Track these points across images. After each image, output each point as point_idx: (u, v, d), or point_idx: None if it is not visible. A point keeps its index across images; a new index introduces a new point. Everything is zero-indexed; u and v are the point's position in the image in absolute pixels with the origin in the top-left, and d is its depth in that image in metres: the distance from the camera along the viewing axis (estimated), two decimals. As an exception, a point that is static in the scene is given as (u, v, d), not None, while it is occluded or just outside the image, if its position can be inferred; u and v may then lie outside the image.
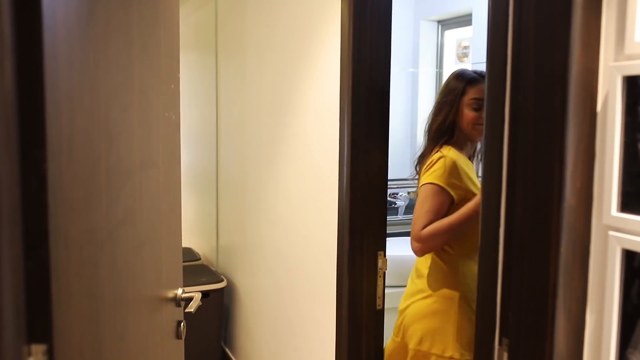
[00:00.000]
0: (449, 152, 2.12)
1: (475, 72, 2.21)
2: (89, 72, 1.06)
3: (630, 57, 1.01)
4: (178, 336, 1.74)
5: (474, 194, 2.07)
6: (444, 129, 2.18)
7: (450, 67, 3.72)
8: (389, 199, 3.44)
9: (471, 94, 2.12)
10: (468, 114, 2.13)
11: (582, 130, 1.07)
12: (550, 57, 1.10)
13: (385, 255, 2.13)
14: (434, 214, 2.06)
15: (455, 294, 2.11)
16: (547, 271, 1.12)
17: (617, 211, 1.04)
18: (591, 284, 1.10)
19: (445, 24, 3.71)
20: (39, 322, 0.87)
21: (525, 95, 1.17)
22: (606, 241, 1.07)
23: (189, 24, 4.20)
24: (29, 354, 0.85)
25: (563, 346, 1.11)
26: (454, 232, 2.06)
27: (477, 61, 3.30)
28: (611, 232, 1.05)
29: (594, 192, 1.09)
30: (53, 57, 0.89)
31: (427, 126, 2.27)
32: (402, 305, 2.23)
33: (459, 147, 2.19)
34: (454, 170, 2.08)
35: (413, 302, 2.16)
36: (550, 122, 1.10)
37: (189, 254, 4.04)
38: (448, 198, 2.08)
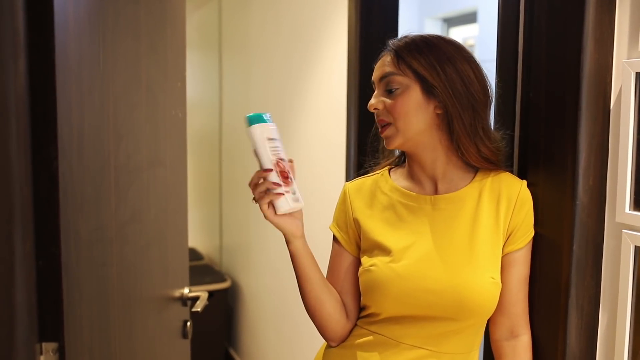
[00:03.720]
0: (357, 180, 1.34)
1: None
2: (99, 69, 1.06)
3: (644, 54, 1.00)
4: (184, 335, 1.73)
5: (383, 250, 1.20)
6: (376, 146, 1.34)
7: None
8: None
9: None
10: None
11: (595, 127, 1.07)
12: (563, 53, 1.09)
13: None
14: (329, 271, 1.32)
15: None
16: (559, 270, 1.11)
17: (631, 209, 1.04)
18: (604, 282, 1.09)
19: (450, 21, 3.70)
20: (50, 321, 0.86)
21: (536, 91, 1.16)
22: (619, 239, 1.06)
23: (192, 22, 4.19)
24: (41, 352, 0.85)
25: (575, 345, 1.10)
26: (301, 293, 1.25)
27: (483, 59, 3.28)
28: (624, 230, 1.04)
29: (607, 190, 1.08)
30: (64, 54, 0.88)
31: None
32: None
33: (410, 171, 1.26)
34: (340, 204, 1.32)
35: None
36: (563, 119, 1.10)
37: (192, 254, 4.03)
38: (338, 245, 1.30)
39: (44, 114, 0.83)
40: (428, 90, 1.15)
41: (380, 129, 1.20)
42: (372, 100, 1.19)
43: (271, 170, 1.11)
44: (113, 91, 1.13)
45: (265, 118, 1.13)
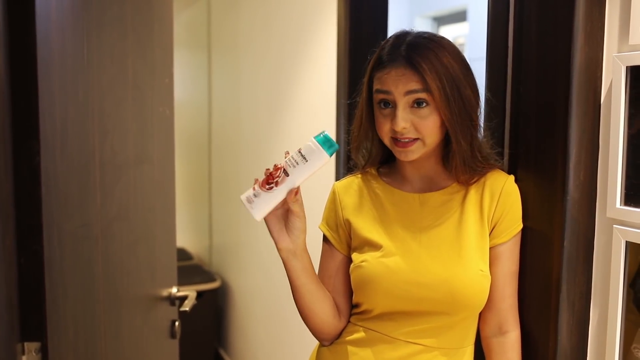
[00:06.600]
0: (345, 179, 1.33)
1: (398, 37, 1.18)
2: (83, 63, 1.04)
3: (635, 48, 0.99)
4: (172, 335, 1.71)
5: (374, 247, 1.21)
6: (363, 146, 1.28)
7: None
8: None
9: (376, 84, 1.17)
10: (377, 118, 1.19)
11: (586, 122, 1.06)
12: (553, 48, 1.08)
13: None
14: (320, 271, 1.30)
15: None
16: (550, 266, 1.10)
17: (621, 204, 1.03)
18: (595, 278, 1.09)
19: (440, 20, 3.70)
20: (32, 320, 0.84)
21: (527, 86, 1.16)
22: (610, 234, 1.05)
23: (181, 20, 4.17)
24: (23, 352, 0.83)
25: (567, 341, 1.10)
26: (294, 299, 1.25)
27: (473, 57, 3.29)
28: (615, 226, 1.04)
29: (597, 185, 1.07)
30: (46, 47, 0.86)
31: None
32: None
33: (402, 170, 1.26)
34: (330, 203, 1.32)
35: None
36: (553, 114, 1.09)
37: (181, 254, 4.01)
38: (329, 244, 1.30)
39: (25, 107, 0.81)
40: (441, 107, 1.12)
41: (397, 143, 1.14)
42: (401, 122, 1.12)
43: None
44: (98, 86, 1.11)
45: (321, 140, 1.11)
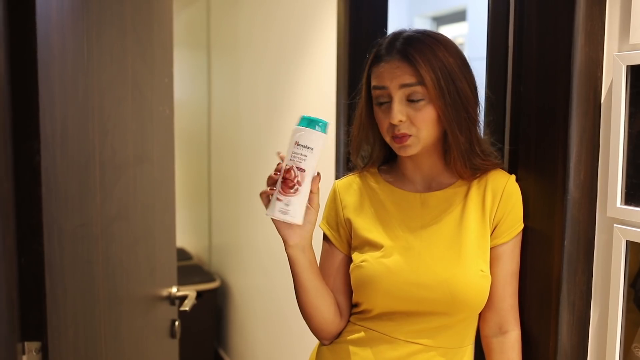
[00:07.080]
0: (346, 178, 1.33)
1: (396, 33, 1.20)
2: (83, 63, 1.04)
3: (635, 47, 0.99)
4: (172, 335, 1.71)
5: (374, 247, 1.20)
6: (362, 148, 1.29)
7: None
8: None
9: (373, 80, 1.18)
10: (376, 115, 1.19)
11: (586, 121, 1.06)
12: (553, 47, 1.08)
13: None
14: (320, 270, 1.27)
15: None
16: (551, 265, 1.10)
17: (622, 203, 1.03)
18: (595, 277, 1.09)
19: (440, 20, 3.70)
20: (33, 319, 0.84)
21: (527, 86, 1.16)
22: (611, 234, 1.05)
23: (180, 20, 4.17)
24: (23, 352, 0.83)
25: (567, 341, 1.10)
26: (298, 296, 1.23)
27: (472, 57, 3.28)
28: (616, 225, 1.04)
29: (598, 184, 1.07)
30: (46, 47, 0.86)
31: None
32: None
33: (403, 170, 1.26)
34: (330, 202, 1.32)
35: None
36: (553, 114, 1.09)
37: (181, 254, 4.01)
38: (329, 243, 1.30)
39: (25, 106, 0.81)
40: (435, 99, 1.12)
41: (394, 139, 1.15)
42: (397, 115, 1.12)
43: (279, 171, 1.10)
44: (98, 85, 1.11)
45: (309, 123, 1.09)
